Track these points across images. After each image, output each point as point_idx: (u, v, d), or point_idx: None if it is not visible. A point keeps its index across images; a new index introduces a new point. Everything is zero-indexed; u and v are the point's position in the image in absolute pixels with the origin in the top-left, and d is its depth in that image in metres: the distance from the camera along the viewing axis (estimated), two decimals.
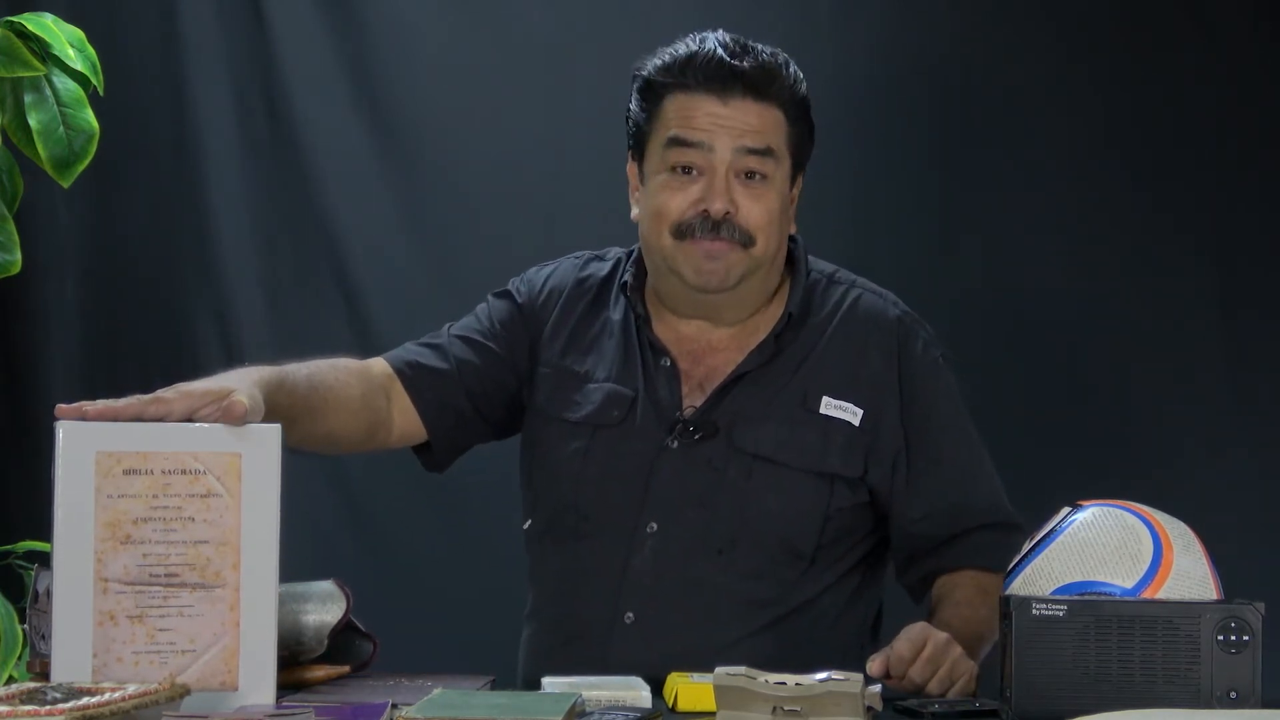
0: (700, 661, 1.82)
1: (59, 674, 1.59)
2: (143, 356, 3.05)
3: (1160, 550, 1.76)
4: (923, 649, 1.87)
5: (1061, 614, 1.64)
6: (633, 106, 2.17)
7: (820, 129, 3.03)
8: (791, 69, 2.13)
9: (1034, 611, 1.65)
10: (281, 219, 3.09)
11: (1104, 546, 1.76)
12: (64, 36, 2.44)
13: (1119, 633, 1.64)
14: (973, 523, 2.14)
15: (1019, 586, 1.81)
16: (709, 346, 2.17)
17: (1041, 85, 3.05)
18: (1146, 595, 1.73)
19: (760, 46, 2.13)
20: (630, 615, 2.09)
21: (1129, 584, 1.74)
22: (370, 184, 3.09)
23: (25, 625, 1.92)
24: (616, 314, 2.21)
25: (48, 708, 1.40)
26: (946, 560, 2.14)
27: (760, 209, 2.09)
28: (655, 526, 2.10)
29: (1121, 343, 3.00)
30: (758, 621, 2.09)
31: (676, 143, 2.09)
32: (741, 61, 2.09)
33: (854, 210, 3.03)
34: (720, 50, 2.10)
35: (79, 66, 2.44)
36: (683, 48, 2.12)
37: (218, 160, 3.07)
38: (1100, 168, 3.03)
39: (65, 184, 2.46)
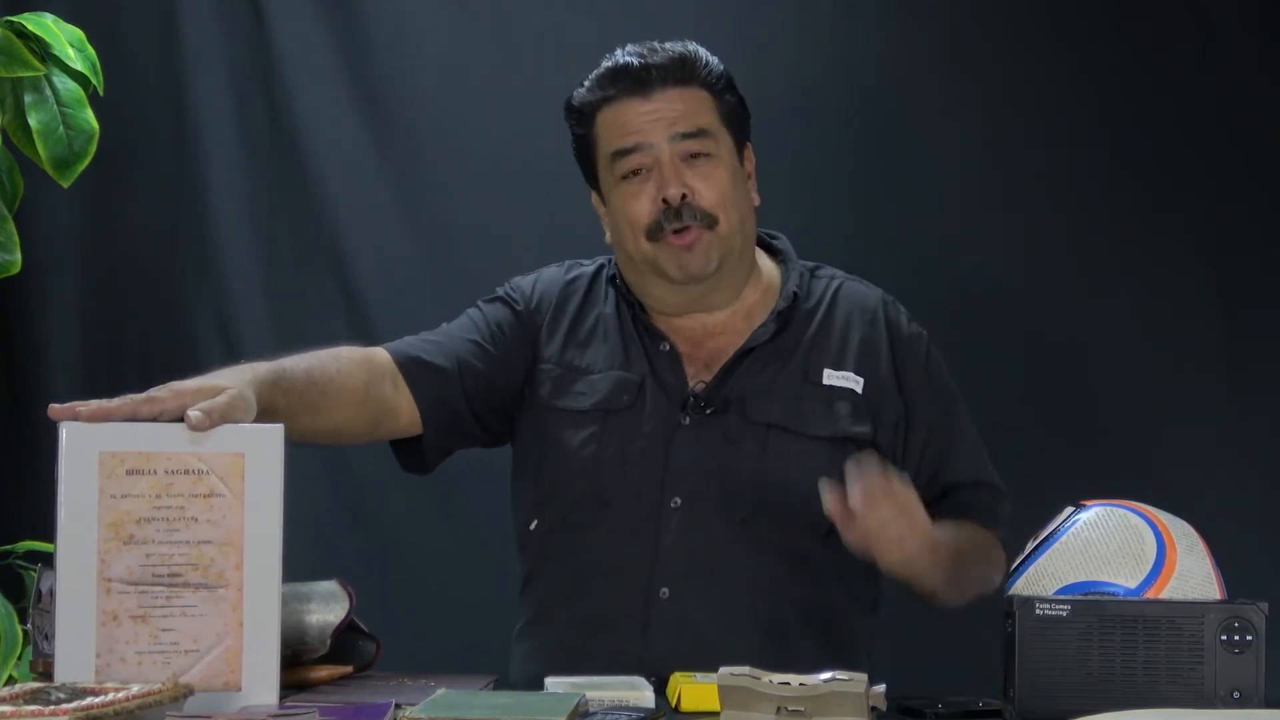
0: (734, 632, 1.96)
1: (62, 674, 1.59)
2: (143, 356, 3.05)
3: (1164, 550, 1.76)
4: (879, 490, 1.89)
5: (1065, 614, 1.65)
6: (572, 141, 2.26)
7: (820, 129, 3.06)
8: (704, 52, 2.22)
9: (1038, 611, 1.65)
10: (281, 218, 3.09)
11: (1107, 546, 1.77)
12: (64, 36, 2.44)
13: (1122, 633, 1.64)
14: (960, 480, 2.21)
15: (1022, 586, 1.81)
16: (706, 332, 2.23)
17: (1041, 84, 3.05)
18: (1150, 595, 1.74)
19: (669, 44, 2.21)
20: (665, 591, 2.12)
21: (1132, 584, 1.75)
22: (370, 184, 3.08)
23: (27, 625, 1.92)
24: (608, 309, 2.25)
25: (51, 708, 1.40)
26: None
27: (711, 186, 2.15)
28: (679, 501, 2.14)
29: (1122, 342, 3.00)
30: (784, 591, 2.14)
31: (618, 155, 2.18)
32: (653, 57, 2.18)
33: (854, 210, 3.03)
34: (632, 56, 2.19)
35: (79, 66, 2.44)
36: (599, 68, 2.22)
37: (218, 160, 3.07)
38: (1100, 167, 3.03)
39: (65, 184, 2.47)
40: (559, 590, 2.21)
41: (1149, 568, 1.75)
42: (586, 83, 2.21)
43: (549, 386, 2.22)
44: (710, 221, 2.15)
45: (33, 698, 1.44)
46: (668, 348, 2.20)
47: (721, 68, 2.21)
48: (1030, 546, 1.83)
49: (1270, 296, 2.99)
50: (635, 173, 2.16)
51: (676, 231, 2.13)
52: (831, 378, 2.19)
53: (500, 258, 2.78)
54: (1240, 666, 1.64)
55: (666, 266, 2.16)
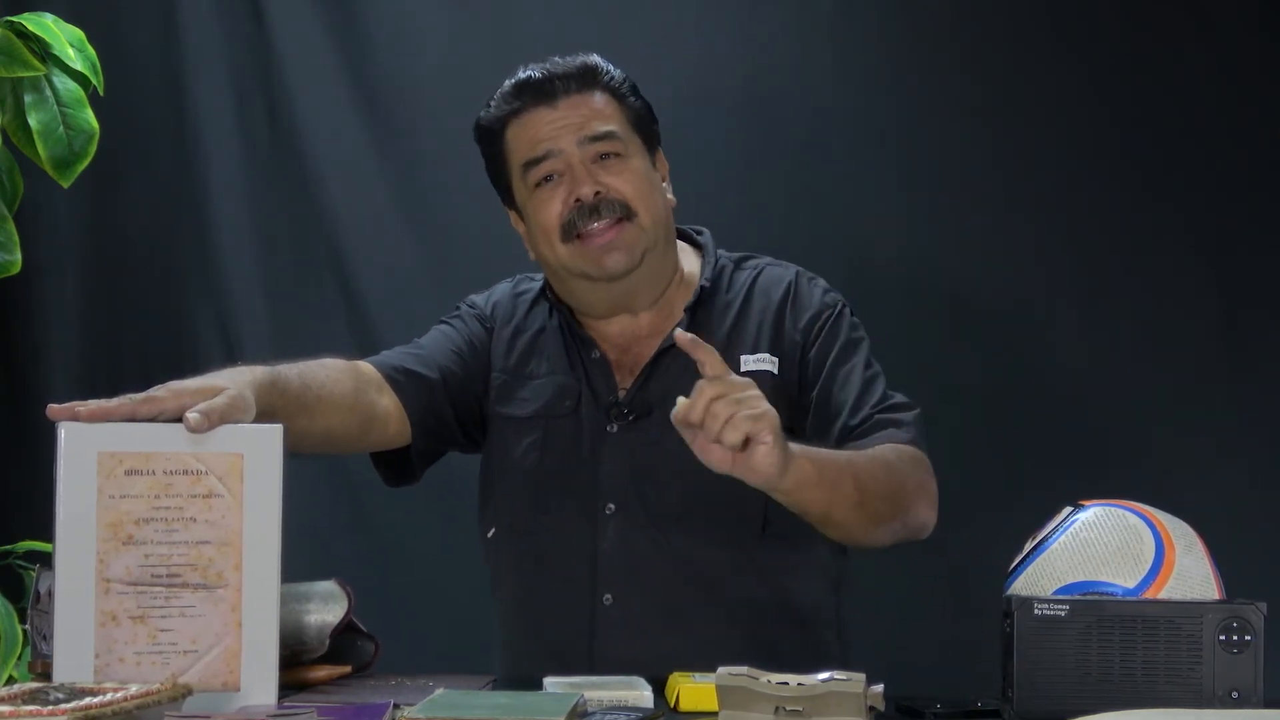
0: (681, 631, 1.98)
1: (61, 674, 1.59)
2: (143, 356, 3.05)
3: (1162, 550, 1.76)
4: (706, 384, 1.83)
5: (1064, 614, 1.65)
6: (485, 160, 2.28)
7: (820, 128, 3.05)
8: (604, 61, 2.23)
9: (1036, 611, 1.65)
10: (281, 219, 3.09)
11: (1106, 546, 1.77)
12: (64, 36, 2.45)
13: (1121, 633, 1.64)
14: (871, 413, 2.16)
15: (1021, 586, 1.81)
16: (633, 336, 2.25)
17: (1041, 84, 3.05)
18: (1148, 595, 1.73)
19: (569, 56, 2.23)
20: (609, 597, 2.16)
21: (1131, 584, 1.74)
22: (370, 184, 3.09)
23: (26, 625, 1.92)
24: (553, 320, 2.29)
25: (50, 708, 1.40)
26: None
27: (625, 180, 2.17)
28: (613, 507, 2.17)
29: (1122, 342, 3.00)
30: (728, 586, 2.15)
31: (529, 165, 2.20)
32: (556, 67, 2.21)
33: (853, 210, 3.03)
34: (534, 69, 2.22)
35: (79, 66, 2.44)
36: (502, 87, 2.24)
37: (218, 160, 3.07)
38: (1100, 167, 3.04)
39: (65, 184, 2.47)
40: (514, 599, 2.26)
41: (1147, 568, 1.75)
42: (492, 102, 2.24)
43: (495, 393, 2.27)
44: (628, 213, 2.16)
45: (31, 698, 1.44)
46: (598, 355, 2.24)
47: (624, 75, 2.23)
48: (1029, 546, 1.83)
49: (1270, 296, 3.00)
50: (548, 179, 2.18)
51: (595, 230, 2.14)
52: (749, 364, 2.19)
53: (500, 258, 2.77)
54: (1239, 666, 1.64)
55: (586, 266, 2.17)
